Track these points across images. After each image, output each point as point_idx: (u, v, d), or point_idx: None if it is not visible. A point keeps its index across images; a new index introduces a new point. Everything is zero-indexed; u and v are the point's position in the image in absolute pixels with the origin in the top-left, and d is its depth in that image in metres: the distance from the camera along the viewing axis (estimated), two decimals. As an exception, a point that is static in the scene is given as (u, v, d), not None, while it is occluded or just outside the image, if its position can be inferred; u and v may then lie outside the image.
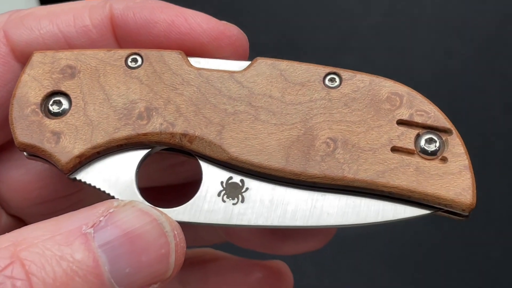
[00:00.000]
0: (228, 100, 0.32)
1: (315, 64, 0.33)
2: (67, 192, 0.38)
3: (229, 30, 0.34)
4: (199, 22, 0.34)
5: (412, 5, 0.80)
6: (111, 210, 0.30)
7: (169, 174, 0.39)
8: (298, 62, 0.33)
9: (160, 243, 0.30)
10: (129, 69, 0.33)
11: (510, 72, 0.78)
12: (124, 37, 0.35)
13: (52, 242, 0.28)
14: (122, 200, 0.31)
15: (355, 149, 0.32)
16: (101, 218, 0.29)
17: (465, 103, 0.76)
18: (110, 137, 0.32)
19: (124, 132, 0.32)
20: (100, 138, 0.32)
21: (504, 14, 0.79)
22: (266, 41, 0.73)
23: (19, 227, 0.37)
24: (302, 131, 0.32)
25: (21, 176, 0.37)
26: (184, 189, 0.39)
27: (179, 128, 0.32)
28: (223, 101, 0.32)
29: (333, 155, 0.32)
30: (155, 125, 0.32)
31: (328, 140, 0.32)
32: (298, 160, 0.32)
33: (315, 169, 0.31)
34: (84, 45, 0.34)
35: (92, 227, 0.29)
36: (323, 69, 0.33)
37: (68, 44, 0.34)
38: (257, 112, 0.32)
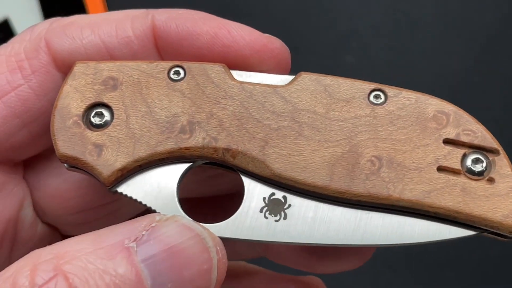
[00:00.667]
0: (271, 115, 0.32)
1: (360, 80, 0.33)
2: (104, 202, 0.37)
3: (272, 43, 0.34)
4: (242, 35, 0.34)
5: (412, 5, 0.80)
6: (153, 225, 0.30)
7: (207, 186, 0.39)
8: (342, 77, 0.33)
9: (202, 258, 0.30)
10: (171, 82, 0.33)
11: (510, 72, 0.78)
12: (166, 48, 0.34)
13: (95, 255, 0.28)
14: (164, 215, 0.30)
15: (400, 168, 0.31)
16: (143, 232, 0.29)
17: (465, 103, 0.76)
18: (152, 151, 0.32)
19: (167, 146, 0.32)
20: (142, 152, 0.32)
21: (504, 14, 0.79)
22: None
23: (54, 235, 0.37)
24: (346, 149, 0.32)
25: (59, 185, 0.36)
26: (221, 201, 0.39)
27: (222, 142, 0.32)
28: (266, 116, 0.32)
29: (378, 173, 0.31)
30: (197, 139, 0.32)
31: (373, 158, 0.31)
32: (342, 178, 0.31)
33: (360, 187, 0.31)
34: (126, 56, 0.34)
35: (134, 241, 0.29)
36: (368, 86, 0.32)
37: (109, 54, 0.34)
38: (301, 128, 0.32)
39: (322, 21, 0.79)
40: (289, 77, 0.33)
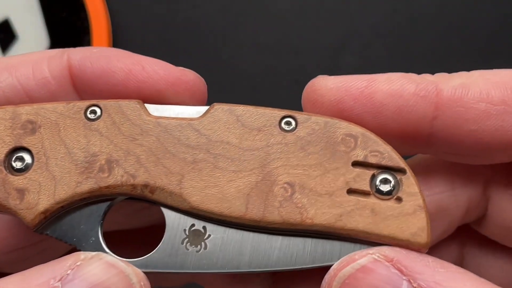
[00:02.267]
0: (187, 149, 0.33)
1: (271, 108, 0.33)
2: (35, 240, 0.38)
3: (186, 76, 0.35)
4: (156, 69, 0.34)
5: (412, 5, 0.79)
6: (78, 263, 0.30)
7: (135, 218, 0.40)
8: (254, 106, 0.33)
9: None
10: (88, 121, 0.33)
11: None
12: (83, 87, 0.35)
13: None
14: (89, 253, 0.31)
15: (312, 193, 0.32)
16: (68, 271, 0.30)
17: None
18: (73, 192, 0.33)
19: (86, 186, 0.33)
20: (63, 193, 0.33)
21: (504, 14, 0.78)
22: (266, 41, 0.74)
23: None
24: (260, 177, 0.32)
25: None
26: (150, 232, 0.39)
27: (140, 179, 0.33)
28: (182, 150, 0.33)
29: (291, 200, 0.32)
30: (116, 178, 0.33)
31: (285, 185, 0.32)
32: (257, 206, 0.32)
33: (274, 215, 0.32)
34: (44, 97, 0.35)
35: (60, 280, 0.30)
36: (278, 113, 0.33)
37: (28, 96, 0.35)
38: (216, 159, 0.33)
39: (322, 21, 0.79)
40: (205, 108, 0.34)
